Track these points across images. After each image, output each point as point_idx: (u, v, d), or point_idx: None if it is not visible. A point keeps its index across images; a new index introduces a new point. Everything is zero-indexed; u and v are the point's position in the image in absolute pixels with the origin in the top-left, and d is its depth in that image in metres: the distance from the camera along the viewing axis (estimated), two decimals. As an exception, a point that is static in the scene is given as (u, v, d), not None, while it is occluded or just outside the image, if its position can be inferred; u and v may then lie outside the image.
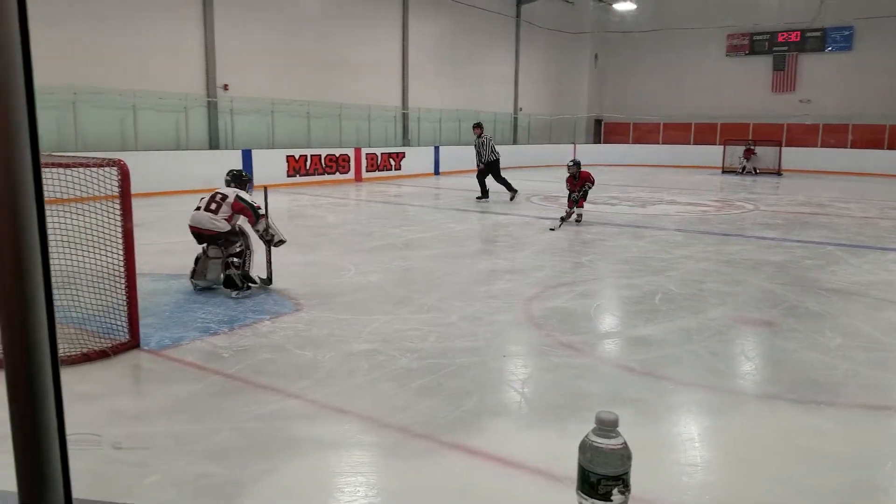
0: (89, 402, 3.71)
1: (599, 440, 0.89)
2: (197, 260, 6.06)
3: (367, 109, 19.90)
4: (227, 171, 6.29)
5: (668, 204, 14.18)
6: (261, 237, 6.03)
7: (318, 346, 4.61)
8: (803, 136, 26.45)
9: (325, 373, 4.14)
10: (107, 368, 4.17)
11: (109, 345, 4.34)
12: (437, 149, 21.76)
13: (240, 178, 6.20)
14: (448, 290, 6.29)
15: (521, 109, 27.88)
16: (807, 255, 8.33)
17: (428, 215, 12.45)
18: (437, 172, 21.46)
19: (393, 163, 19.75)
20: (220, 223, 5.81)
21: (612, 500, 0.87)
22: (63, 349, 4.15)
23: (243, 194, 5.98)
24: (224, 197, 5.90)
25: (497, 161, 14.09)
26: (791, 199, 15.65)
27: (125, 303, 4.47)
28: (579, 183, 10.69)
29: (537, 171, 23.99)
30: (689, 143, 28.53)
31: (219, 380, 4.04)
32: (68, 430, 2.85)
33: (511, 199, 13.92)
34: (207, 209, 5.83)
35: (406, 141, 21.58)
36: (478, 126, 14.28)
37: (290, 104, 17.35)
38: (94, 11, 13.18)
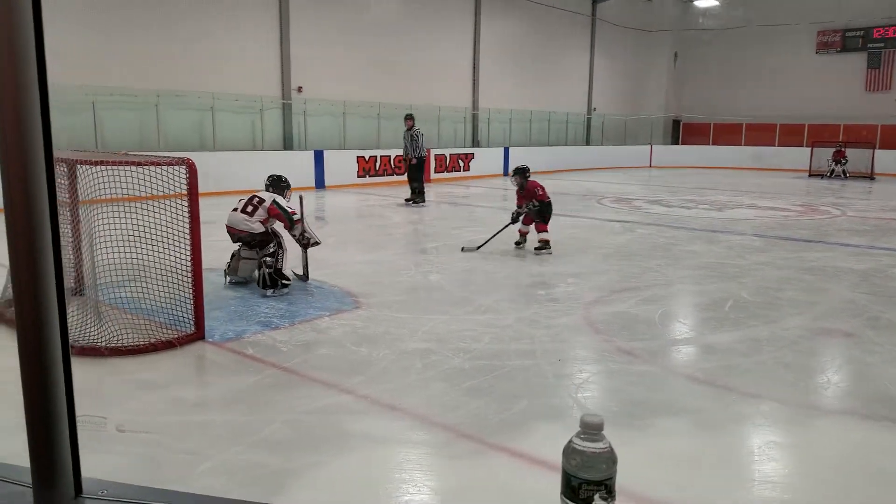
0: (153, 390, 3.86)
1: (582, 444, 0.86)
2: (233, 256, 6.33)
3: (436, 110, 20.01)
4: (266, 176, 6.55)
5: (748, 208, 13.67)
6: (297, 241, 6.25)
7: (373, 343, 4.66)
8: (900, 138, 25.01)
9: (379, 370, 4.18)
10: (172, 358, 4.33)
11: (175, 336, 4.51)
12: (506, 150, 21.67)
13: (278, 184, 6.43)
14: (507, 291, 6.25)
15: (594, 109, 27.47)
16: (895, 263, 7.87)
17: (494, 217, 12.34)
18: (506, 174, 21.33)
19: (462, 164, 19.79)
20: (254, 225, 6.01)
21: (594, 506, 0.84)
22: (132, 339, 4.35)
23: (280, 200, 6.17)
24: (261, 201, 6.10)
25: (424, 160, 13.63)
26: (883, 205, 14.82)
27: (192, 296, 4.63)
28: (526, 196, 8.26)
29: (611, 173, 23.61)
30: (773, 145, 27.41)
31: (276, 373, 4.13)
32: (132, 415, 2.98)
33: (407, 201, 13.47)
34: (244, 211, 6.04)
35: (476, 142, 21.59)
36: (409, 118, 13.61)
37: (361, 106, 17.63)
38: (175, 18, 13.74)
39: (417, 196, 13.40)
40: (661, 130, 30.51)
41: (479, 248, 8.09)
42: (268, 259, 5.96)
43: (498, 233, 8.24)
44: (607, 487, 0.85)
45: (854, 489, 2.96)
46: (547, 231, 8.13)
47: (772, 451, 3.32)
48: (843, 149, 22.97)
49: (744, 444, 3.43)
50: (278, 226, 6.25)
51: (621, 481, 2.70)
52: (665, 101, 30.30)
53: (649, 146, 28.67)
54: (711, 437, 3.43)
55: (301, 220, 6.18)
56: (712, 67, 29.57)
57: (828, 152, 23.18)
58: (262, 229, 6.06)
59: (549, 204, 8.25)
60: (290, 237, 6.25)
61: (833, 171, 22.72)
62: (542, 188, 8.23)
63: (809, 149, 24.23)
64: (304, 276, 6.35)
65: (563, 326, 5.20)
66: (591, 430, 0.86)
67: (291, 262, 6.43)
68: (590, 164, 25.07)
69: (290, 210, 6.14)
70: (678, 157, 28.18)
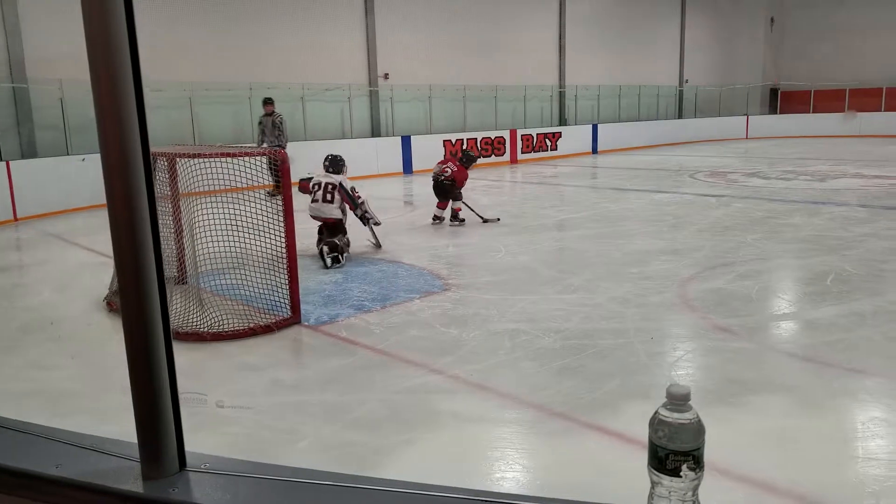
0: (253, 372, 4.05)
1: (669, 414, 0.85)
2: (321, 233, 6.84)
3: (522, 90, 19.78)
4: (324, 157, 7.03)
5: (853, 177, 12.88)
6: (360, 218, 6.83)
7: (463, 324, 4.71)
8: None
9: (468, 350, 4.23)
10: (270, 342, 4.52)
11: (273, 320, 4.70)
12: (595, 127, 21.20)
13: (337, 163, 6.89)
14: (598, 270, 6.15)
15: (686, 81, 26.43)
16: None
17: (583, 195, 12.21)
18: (595, 151, 20.94)
19: (549, 143, 19.51)
20: (336, 212, 6.66)
21: (681, 476, 0.84)
22: (232, 324, 4.56)
23: (346, 182, 6.74)
24: (334, 187, 6.66)
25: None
26: None
27: (287, 282, 4.81)
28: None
29: (705, 146, 22.74)
30: (879, 111, 25.57)
31: (369, 354, 4.25)
32: (232, 397, 3.15)
33: (270, 194, 12.74)
34: (325, 200, 6.61)
35: (563, 120, 21.23)
36: (269, 102, 12.15)
37: (447, 89, 17.65)
38: (263, 11, 14.15)
39: (276, 189, 12.68)
40: (758, 100, 29.00)
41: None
42: (339, 243, 6.52)
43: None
44: (695, 458, 0.84)
45: (974, 471, 2.78)
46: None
47: (877, 428, 3.16)
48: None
49: (847, 420, 3.29)
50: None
51: (720, 460, 2.65)
52: (762, 69, 28.77)
53: (745, 117, 27.33)
54: (813, 415, 3.30)
55: (363, 202, 6.74)
56: (811, 31, 27.81)
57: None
58: (342, 215, 6.67)
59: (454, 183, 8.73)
60: (354, 215, 6.84)
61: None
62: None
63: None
64: (378, 245, 6.93)
65: (656, 304, 5.09)
66: (677, 400, 0.85)
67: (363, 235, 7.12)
68: (683, 139, 24.20)
69: (354, 193, 6.68)
70: (777, 126, 26.71)
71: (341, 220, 6.67)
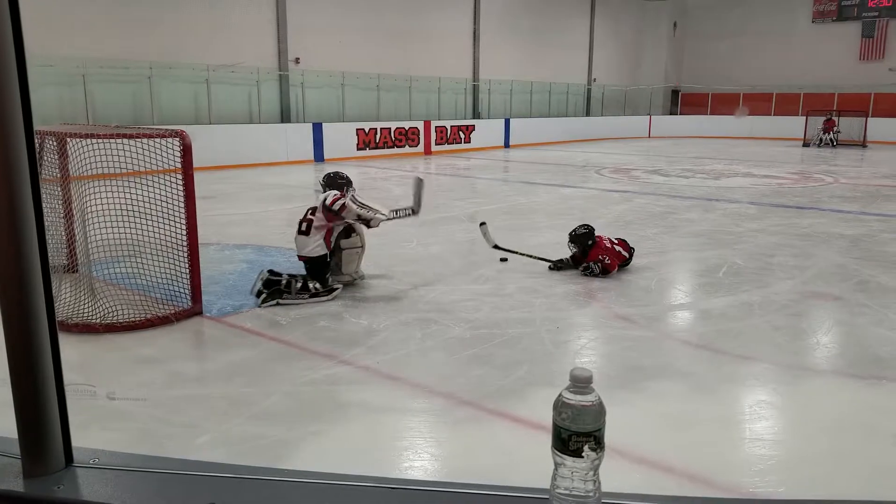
0: (151, 365, 3.86)
1: (572, 397, 0.87)
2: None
3: (437, 82, 19.83)
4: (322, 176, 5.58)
5: (744, 176, 13.68)
6: (363, 224, 5.34)
7: (374, 314, 4.67)
8: (892, 106, 24.80)
9: (378, 340, 4.20)
10: (169, 334, 4.33)
11: (173, 311, 4.50)
12: (507, 121, 21.53)
13: (334, 183, 5.38)
14: (508, 262, 6.24)
15: (594, 80, 27.22)
16: (884, 228, 7.94)
17: (495, 188, 12.37)
18: (507, 145, 21.26)
19: (462, 136, 19.66)
20: (311, 248, 5.08)
21: (583, 457, 0.86)
22: (128, 315, 4.34)
23: (329, 198, 5.13)
24: (313, 211, 5.19)
25: None
26: (874, 172, 14.86)
27: (188, 271, 4.62)
28: (589, 259, 5.75)
29: (610, 143, 23.52)
30: (769, 115, 27.23)
31: (275, 346, 4.15)
32: (127, 390, 2.99)
33: None
34: (300, 232, 5.16)
35: (477, 113, 21.43)
36: None
37: (361, 77, 17.46)
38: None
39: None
40: (661, 101, 30.28)
41: (495, 246, 6.31)
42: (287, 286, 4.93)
43: (526, 255, 6.16)
44: (596, 439, 0.86)
45: (843, 445, 3.00)
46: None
47: (763, 411, 3.37)
48: (832, 118, 22.87)
49: (736, 404, 3.48)
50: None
51: (619, 442, 2.75)
52: (664, 72, 30.03)
53: (648, 116, 28.48)
54: (705, 399, 3.48)
55: (344, 207, 5.10)
56: (711, 37, 29.30)
57: (822, 121, 23.09)
58: (325, 251, 5.11)
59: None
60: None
61: (822, 140, 22.63)
62: (613, 256, 5.82)
63: (804, 118, 24.07)
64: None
65: (561, 295, 5.23)
66: (580, 383, 0.88)
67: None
68: (590, 135, 24.93)
69: (328, 203, 5.08)
70: (677, 126, 28.01)
71: (317, 258, 5.06)
